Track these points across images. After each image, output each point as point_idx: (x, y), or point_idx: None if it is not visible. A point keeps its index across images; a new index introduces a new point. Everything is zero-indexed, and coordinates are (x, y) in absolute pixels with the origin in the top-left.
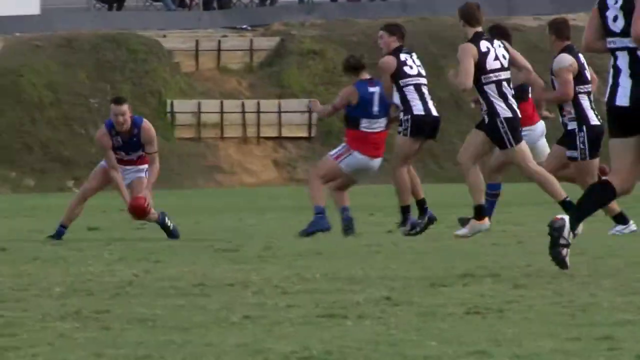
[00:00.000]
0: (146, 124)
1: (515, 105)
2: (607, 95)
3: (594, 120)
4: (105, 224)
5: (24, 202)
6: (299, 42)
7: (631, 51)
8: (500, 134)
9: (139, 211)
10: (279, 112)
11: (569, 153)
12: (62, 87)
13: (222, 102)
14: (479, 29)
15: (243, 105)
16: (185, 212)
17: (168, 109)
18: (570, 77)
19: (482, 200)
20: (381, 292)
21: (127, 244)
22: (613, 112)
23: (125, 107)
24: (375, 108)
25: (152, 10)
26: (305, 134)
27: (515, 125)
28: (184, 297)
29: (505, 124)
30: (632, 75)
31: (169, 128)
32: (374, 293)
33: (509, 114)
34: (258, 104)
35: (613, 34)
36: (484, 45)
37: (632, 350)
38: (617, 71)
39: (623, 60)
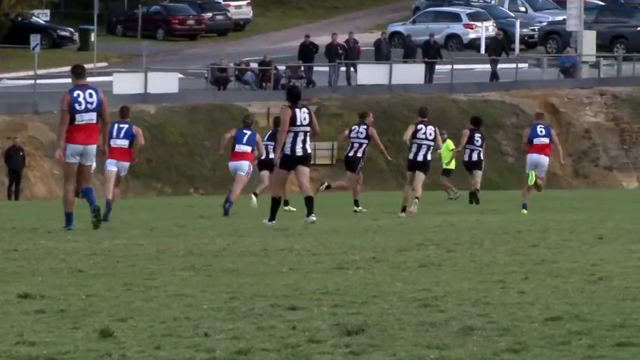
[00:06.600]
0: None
1: None
2: None
3: None
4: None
5: (164, 201)
6: (327, 108)
7: None
8: None
9: None
10: (314, 149)
11: None
12: (189, 135)
13: None
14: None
15: None
16: None
17: None
18: None
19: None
20: (370, 254)
21: (224, 225)
22: None
23: None
24: None
25: (242, 90)
26: (328, 162)
27: None
28: (255, 257)
29: None
30: None
31: None
32: (366, 255)
33: None
34: None
35: None
36: None
37: (516, 287)
38: None
39: None
